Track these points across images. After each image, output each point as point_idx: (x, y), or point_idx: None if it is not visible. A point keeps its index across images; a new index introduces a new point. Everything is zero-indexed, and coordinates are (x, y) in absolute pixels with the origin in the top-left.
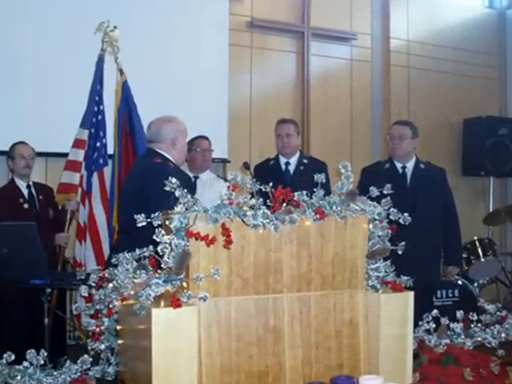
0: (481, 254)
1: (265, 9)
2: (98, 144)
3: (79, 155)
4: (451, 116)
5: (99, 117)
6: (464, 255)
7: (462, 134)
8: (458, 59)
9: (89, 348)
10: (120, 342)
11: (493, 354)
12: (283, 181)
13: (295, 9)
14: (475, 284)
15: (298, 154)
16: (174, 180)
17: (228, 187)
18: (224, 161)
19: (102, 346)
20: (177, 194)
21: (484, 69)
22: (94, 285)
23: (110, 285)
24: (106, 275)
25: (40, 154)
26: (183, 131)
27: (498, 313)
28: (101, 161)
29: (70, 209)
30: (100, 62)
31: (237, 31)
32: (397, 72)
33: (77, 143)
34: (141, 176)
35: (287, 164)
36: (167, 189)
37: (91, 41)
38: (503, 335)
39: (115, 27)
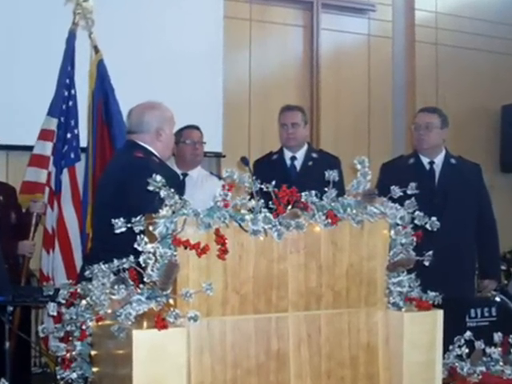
0: None
1: None
2: (69, 135)
3: (46, 148)
4: (487, 102)
5: (70, 103)
6: (503, 267)
7: (500, 122)
8: (495, 34)
9: (58, 377)
10: (95, 369)
11: None
12: (288, 178)
13: None
14: None
15: (305, 147)
16: (158, 178)
17: (223, 186)
18: (218, 155)
19: (74, 375)
20: (162, 194)
21: None
22: (63, 302)
23: (84, 302)
24: (79, 291)
25: None
26: (169, 120)
27: None
28: (72, 155)
29: (35, 212)
30: (71, 38)
31: (233, 1)
32: (423, 49)
33: (44, 134)
34: (119, 173)
35: (293, 159)
36: (151, 188)
37: (61, 13)
38: None
39: None
